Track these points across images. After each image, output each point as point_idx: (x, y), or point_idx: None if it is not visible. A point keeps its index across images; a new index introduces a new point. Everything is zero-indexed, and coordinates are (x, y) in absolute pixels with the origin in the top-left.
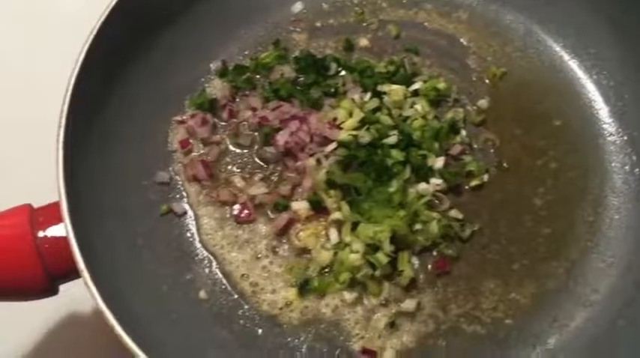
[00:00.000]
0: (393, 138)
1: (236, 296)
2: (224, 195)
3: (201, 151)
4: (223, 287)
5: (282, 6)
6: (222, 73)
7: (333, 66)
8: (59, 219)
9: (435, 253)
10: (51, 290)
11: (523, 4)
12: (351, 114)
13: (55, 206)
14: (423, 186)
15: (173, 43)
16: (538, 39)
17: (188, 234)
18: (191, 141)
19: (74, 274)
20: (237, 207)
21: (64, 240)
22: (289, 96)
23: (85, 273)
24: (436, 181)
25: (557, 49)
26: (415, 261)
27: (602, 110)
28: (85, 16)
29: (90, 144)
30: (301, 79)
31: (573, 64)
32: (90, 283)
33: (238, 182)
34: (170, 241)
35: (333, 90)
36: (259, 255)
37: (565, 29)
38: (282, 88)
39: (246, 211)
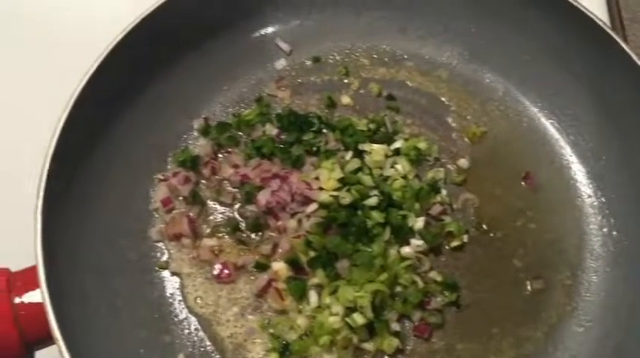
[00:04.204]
0: (373, 199)
1: None
2: (205, 254)
3: (182, 210)
4: (202, 349)
5: (266, 63)
6: (205, 131)
7: (315, 124)
8: (37, 285)
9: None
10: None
11: (502, 64)
12: (332, 175)
13: (33, 270)
14: (405, 249)
15: (156, 98)
16: (517, 99)
17: (168, 294)
18: (172, 199)
19: (50, 341)
20: (217, 266)
21: (41, 306)
22: (271, 154)
23: (61, 342)
24: (417, 242)
25: (535, 109)
26: (395, 326)
27: (580, 171)
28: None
29: (69, 206)
30: (283, 136)
31: (551, 125)
32: (65, 352)
33: (219, 241)
34: (150, 302)
35: (315, 148)
36: (241, 315)
37: (543, 90)
38: (264, 145)
39: (226, 271)
